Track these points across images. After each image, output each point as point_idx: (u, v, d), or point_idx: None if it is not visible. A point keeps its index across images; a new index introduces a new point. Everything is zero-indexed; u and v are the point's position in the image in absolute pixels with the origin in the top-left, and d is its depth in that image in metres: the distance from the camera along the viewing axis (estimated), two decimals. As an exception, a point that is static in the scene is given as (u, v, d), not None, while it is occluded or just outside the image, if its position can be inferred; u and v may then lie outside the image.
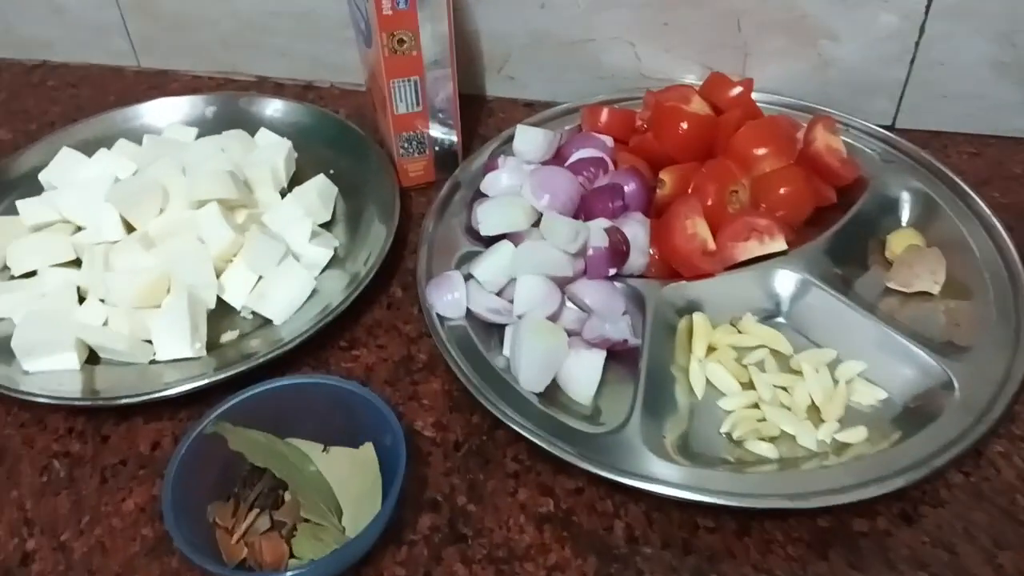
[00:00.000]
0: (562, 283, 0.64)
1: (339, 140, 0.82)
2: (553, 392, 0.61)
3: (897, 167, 0.74)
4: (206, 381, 0.61)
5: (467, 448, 0.59)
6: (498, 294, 0.65)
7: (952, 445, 0.54)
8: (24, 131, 0.91)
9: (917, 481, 0.52)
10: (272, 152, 0.79)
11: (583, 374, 0.60)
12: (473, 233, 0.70)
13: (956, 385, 0.57)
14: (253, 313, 0.68)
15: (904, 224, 0.72)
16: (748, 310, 0.65)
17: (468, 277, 0.65)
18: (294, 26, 0.90)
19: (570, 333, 0.62)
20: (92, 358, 0.65)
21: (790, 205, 0.69)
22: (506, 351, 0.63)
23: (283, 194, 0.77)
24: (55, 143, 0.80)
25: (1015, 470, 0.56)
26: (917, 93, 0.80)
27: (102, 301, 0.67)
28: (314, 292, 0.68)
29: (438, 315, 0.64)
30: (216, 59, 0.95)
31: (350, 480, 0.54)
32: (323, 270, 0.71)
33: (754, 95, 0.78)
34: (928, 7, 0.74)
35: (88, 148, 0.79)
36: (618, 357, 0.62)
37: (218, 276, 0.69)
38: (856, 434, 0.57)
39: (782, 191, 0.69)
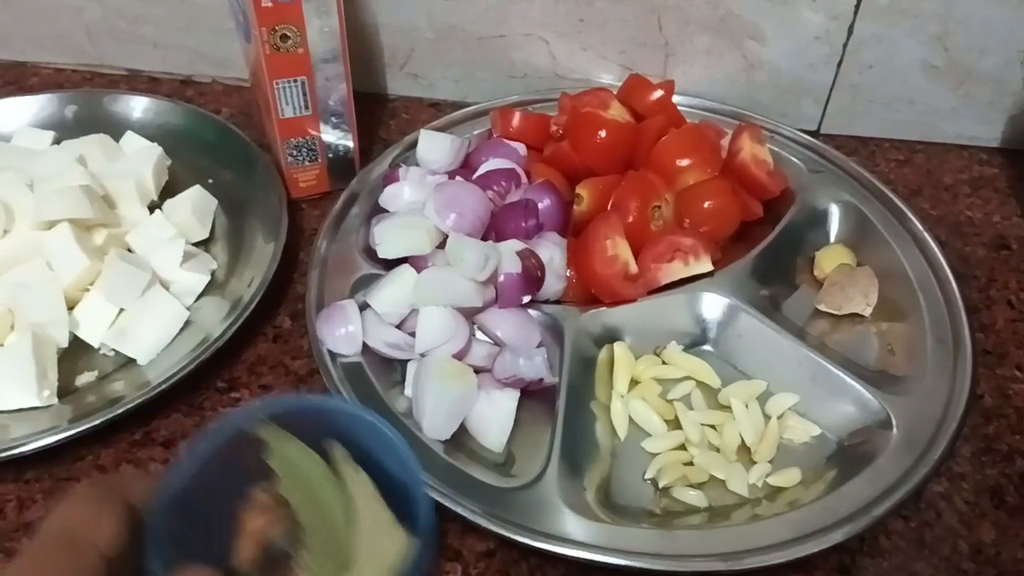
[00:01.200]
0: (470, 313, 0.57)
1: (219, 145, 0.73)
2: (461, 437, 0.54)
3: (825, 178, 0.70)
4: (58, 437, 0.52)
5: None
6: (399, 326, 0.58)
7: (892, 491, 0.50)
8: None
9: (856, 534, 0.48)
10: (139, 160, 0.69)
11: (494, 419, 0.54)
12: (371, 253, 0.63)
13: (894, 422, 0.53)
14: (115, 350, 0.59)
15: (833, 239, 0.68)
16: (673, 337, 0.60)
17: (365, 306, 0.58)
18: (169, 15, 0.80)
19: (479, 370, 0.56)
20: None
21: (715, 220, 0.64)
22: (408, 390, 0.57)
23: (153, 208, 0.68)
24: None
25: (956, 513, 0.52)
26: (844, 97, 0.76)
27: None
28: (187, 323, 0.60)
29: (329, 351, 0.57)
30: (81, 51, 0.84)
31: None
32: (198, 298, 0.63)
33: (676, 98, 0.72)
34: (858, 7, 0.70)
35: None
36: (533, 395, 0.56)
37: (72, 308, 0.60)
38: (789, 477, 0.53)
39: (707, 205, 0.64)
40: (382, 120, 0.81)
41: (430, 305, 0.56)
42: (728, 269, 0.61)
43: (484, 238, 0.60)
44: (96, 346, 0.60)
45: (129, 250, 0.64)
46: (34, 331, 0.56)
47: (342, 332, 0.57)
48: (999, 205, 0.72)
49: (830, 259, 0.64)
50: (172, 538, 0.35)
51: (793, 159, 0.71)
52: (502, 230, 0.61)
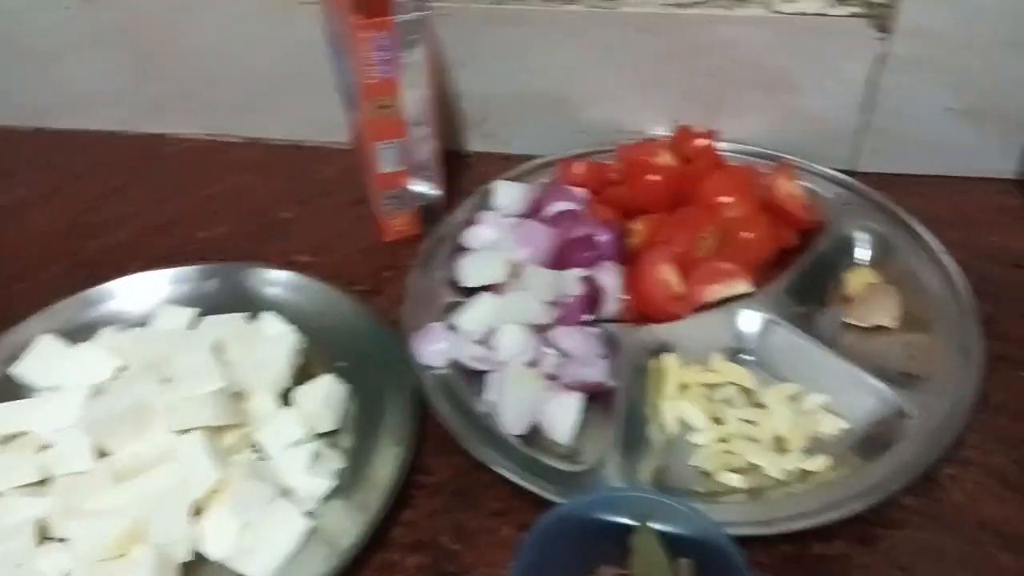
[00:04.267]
0: (540, 330, 0.68)
1: (351, 326, 0.72)
2: (535, 434, 0.64)
3: (854, 209, 0.79)
4: None
5: (450, 490, 0.63)
6: (481, 342, 0.69)
7: (906, 470, 0.58)
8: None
9: (873, 505, 0.56)
10: (276, 347, 0.69)
11: (562, 416, 0.64)
12: (455, 284, 0.75)
13: (910, 414, 0.61)
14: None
15: (861, 263, 0.76)
16: (716, 349, 0.69)
17: (451, 327, 0.69)
18: (288, 90, 0.95)
19: (549, 377, 0.66)
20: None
21: (753, 249, 0.74)
22: (489, 396, 0.67)
23: (282, 395, 0.67)
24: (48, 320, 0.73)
25: (964, 493, 0.60)
26: (875, 139, 0.85)
27: (62, 540, 0.58)
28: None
29: (422, 364, 0.68)
30: (211, 123, 1.00)
31: None
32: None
33: (721, 145, 0.83)
34: (883, 61, 0.80)
35: (73, 330, 0.72)
36: (596, 398, 0.66)
37: (197, 513, 0.59)
38: (819, 462, 0.61)
39: (745, 236, 0.74)
40: (461, 171, 0.93)
41: (508, 323, 0.67)
42: (765, 289, 0.71)
43: (551, 268, 0.72)
44: (218, 562, 0.58)
45: (255, 448, 0.63)
46: (158, 551, 0.55)
47: (434, 348, 0.68)
48: (1020, 231, 0.80)
49: (857, 279, 0.73)
50: None
51: (825, 194, 0.81)
52: (567, 261, 0.72)
